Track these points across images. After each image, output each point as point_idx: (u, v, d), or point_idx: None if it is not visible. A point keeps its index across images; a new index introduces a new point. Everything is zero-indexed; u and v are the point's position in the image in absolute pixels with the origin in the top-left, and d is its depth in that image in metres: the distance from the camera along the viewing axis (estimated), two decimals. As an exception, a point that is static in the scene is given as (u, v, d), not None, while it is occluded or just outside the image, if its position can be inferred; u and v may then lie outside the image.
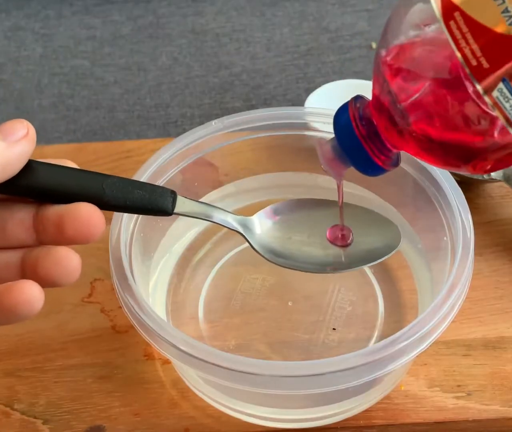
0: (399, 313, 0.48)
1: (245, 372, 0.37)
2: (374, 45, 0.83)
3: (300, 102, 0.64)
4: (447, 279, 0.41)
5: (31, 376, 0.47)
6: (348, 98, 0.58)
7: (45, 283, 0.32)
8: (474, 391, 0.44)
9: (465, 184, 0.50)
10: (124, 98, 0.78)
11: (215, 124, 0.50)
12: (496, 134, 0.34)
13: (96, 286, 0.51)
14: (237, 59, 0.81)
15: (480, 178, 0.52)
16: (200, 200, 0.52)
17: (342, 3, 0.88)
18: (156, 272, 0.49)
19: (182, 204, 0.38)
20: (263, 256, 0.42)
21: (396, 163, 0.40)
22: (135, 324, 0.40)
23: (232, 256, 0.52)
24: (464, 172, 0.38)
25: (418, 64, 0.35)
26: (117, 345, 0.48)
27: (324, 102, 0.58)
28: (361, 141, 0.38)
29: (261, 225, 0.43)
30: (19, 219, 0.34)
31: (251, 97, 0.77)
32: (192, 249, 0.53)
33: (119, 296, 0.41)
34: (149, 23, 0.87)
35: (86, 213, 0.33)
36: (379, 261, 0.43)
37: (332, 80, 0.61)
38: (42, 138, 0.75)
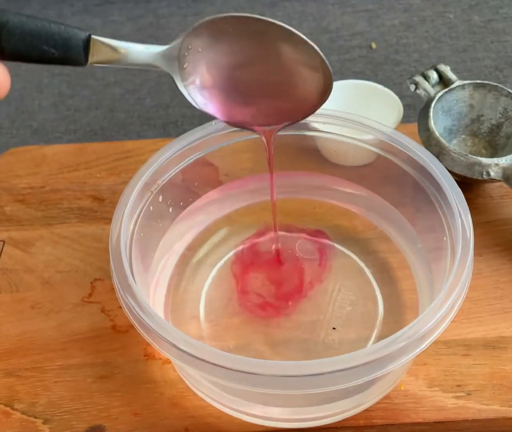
0: (398, 313, 0.48)
1: (245, 372, 0.37)
2: (374, 45, 0.83)
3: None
4: (447, 279, 0.41)
5: (31, 376, 0.47)
6: (348, 98, 0.59)
7: None
8: (474, 390, 0.44)
9: (465, 184, 0.50)
10: (124, 98, 0.78)
11: (215, 124, 0.50)
12: None
13: (96, 286, 0.51)
14: (237, 59, 0.81)
15: (480, 178, 0.52)
16: (201, 199, 0.52)
17: (342, 3, 0.88)
18: (156, 272, 0.49)
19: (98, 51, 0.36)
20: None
21: None
22: (135, 324, 0.40)
23: (232, 256, 0.52)
24: None
25: None
26: (117, 345, 0.48)
27: (324, 102, 0.58)
28: None
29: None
30: None
31: (251, 97, 0.77)
32: (192, 249, 0.53)
33: (119, 296, 0.41)
34: (149, 23, 0.87)
35: None
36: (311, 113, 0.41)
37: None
38: (42, 138, 0.75)
